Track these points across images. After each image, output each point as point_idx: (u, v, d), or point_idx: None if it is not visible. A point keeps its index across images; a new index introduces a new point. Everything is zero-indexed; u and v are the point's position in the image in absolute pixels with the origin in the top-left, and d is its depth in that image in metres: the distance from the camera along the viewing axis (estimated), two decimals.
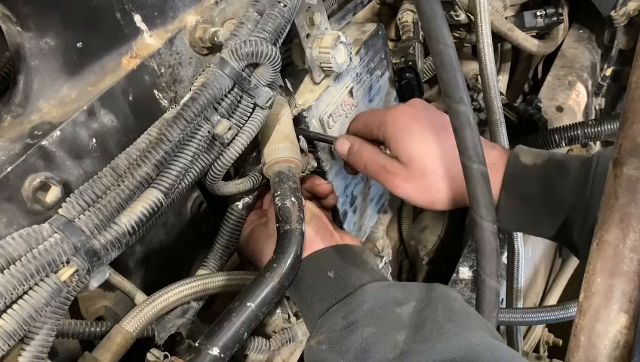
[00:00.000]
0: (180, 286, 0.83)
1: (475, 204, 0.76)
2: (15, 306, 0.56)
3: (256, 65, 0.77)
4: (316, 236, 0.89)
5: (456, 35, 1.49)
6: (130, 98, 0.76)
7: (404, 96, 1.28)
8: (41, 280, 0.58)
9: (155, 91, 0.79)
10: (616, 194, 0.59)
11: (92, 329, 0.77)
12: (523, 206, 0.88)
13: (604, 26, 1.79)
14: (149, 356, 0.76)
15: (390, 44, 1.38)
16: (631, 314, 0.56)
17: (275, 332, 1.03)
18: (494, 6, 1.44)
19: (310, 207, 0.93)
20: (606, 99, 1.92)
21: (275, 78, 0.79)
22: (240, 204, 0.95)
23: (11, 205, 0.64)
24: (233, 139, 0.80)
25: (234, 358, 0.78)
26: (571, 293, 1.60)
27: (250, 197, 0.96)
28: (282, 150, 0.88)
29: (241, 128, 0.80)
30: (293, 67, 1.00)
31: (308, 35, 0.93)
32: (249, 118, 0.80)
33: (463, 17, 1.38)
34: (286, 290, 0.81)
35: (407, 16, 1.35)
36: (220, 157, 0.80)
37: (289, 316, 1.03)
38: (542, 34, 1.65)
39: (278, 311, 1.03)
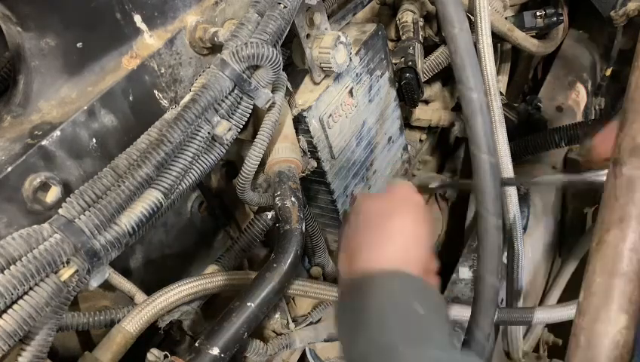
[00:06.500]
0: (180, 286, 0.83)
1: (480, 196, 0.73)
2: (15, 306, 0.56)
3: (256, 67, 0.77)
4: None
5: None
6: (131, 98, 0.76)
7: (404, 96, 1.28)
8: (42, 280, 0.58)
9: (155, 91, 0.79)
10: (616, 194, 0.59)
11: (95, 318, 0.79)
12: None
13: (604, 26, 1.79)
14: (149, 356, 0.76)
15: (390, 44, 1.38)
16: (630, 314, 0.55)
17: (275, 333, 1.03)
18: (494, 6, 1.44)
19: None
20: (606, 99, 1.91)
21: (279, 78, 0.79)
22: (269, 215, 0.95)
23: (11, 205, 0.64)
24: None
25: (234, 358, 0.78)
26: (571, 293, 1.59)
27: None
28: (283, 150, 0.88)
29: (241, 129, 0.80)
30: (293, 67, 1.00)
31: (308, 36, 0.93)
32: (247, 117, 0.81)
33: None
34: (286, 290, 0.80)
35: (407, 16, 1.35)
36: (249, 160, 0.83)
37: (288, 321, 1.03)
38: (542, 34, 1.65)
39: (277, 315, 1.03)
